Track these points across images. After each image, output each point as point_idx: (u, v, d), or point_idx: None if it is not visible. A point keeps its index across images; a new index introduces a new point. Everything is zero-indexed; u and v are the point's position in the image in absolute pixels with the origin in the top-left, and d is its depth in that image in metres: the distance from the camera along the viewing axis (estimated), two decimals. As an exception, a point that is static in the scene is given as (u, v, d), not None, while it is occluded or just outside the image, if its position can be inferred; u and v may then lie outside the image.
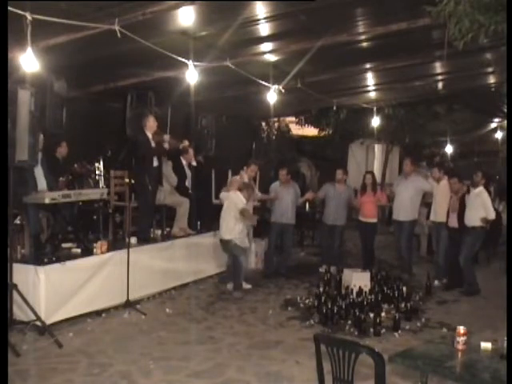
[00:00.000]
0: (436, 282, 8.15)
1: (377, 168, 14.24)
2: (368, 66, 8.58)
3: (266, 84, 8.30)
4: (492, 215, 7.62)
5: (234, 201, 7.64)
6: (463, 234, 7.74)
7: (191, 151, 8.55)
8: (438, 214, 8.25)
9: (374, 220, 9.03)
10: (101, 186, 8.29)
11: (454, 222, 7.94)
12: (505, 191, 9.49)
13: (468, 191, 7.92)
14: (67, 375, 4.70)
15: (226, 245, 7.73)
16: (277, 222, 8.79)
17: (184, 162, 8.43)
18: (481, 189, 7.69)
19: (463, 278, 7.83)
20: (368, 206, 8.93)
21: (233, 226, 7.57)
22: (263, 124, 13.82)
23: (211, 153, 9.88)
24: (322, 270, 9.03)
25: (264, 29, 6.40)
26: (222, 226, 7.71)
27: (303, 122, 13.86)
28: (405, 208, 8.56)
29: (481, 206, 7.56)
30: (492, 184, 13.32)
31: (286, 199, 8.71)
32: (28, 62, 5.23)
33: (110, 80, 8.30)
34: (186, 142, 8.45)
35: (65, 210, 6.72)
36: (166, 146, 7.75)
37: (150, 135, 7.45)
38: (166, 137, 7.84)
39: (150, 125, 7.47)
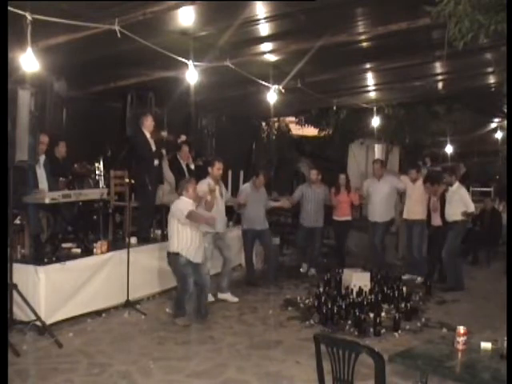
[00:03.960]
0: (406, 276, 8.45)
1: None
2: (368, 65, 8.58)
3: (266, 84, 8.29)
4: (472, 208, 7.98)
5: (177, 207, 6.25)
6: (446, 230, 8.08)
7: (186, 149, 8.46)
8: (411, 212, 8.60)
9: (348, 218, 9.21)
10: (101, 186, 8.28)
11: (436, 221, 8.28)
12: (505, 191, 9.57)
13: (446, 189, 8.19)
14: (67, 375, 4.69)
15: (171, 259, 6.35)
16: (250, 229, 8.19)
17: (181, 161, 8.42)
18: (457, 185, 8.06)
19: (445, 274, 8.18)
20: (342, 205, 9.07)
21: (181, 237, 6.22)
22: (263, 124, 13.80)
23: (211, 158, 9.87)
24: (303, 270, 9.08)
25: (264, 29, 6.40)
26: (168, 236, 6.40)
27: (303, 121, 13.83)
28: (380, 210, 8.79)
29: (459, 202, 7.91)
30: (492, 184, 13.37)
31: (257, 205, 8.09)
32: (28, 61, 5.23)
33: (110, 80, 8.30)
34: (184, 137, 8.43)
35: (65, 209, 6.71)
36: (164, 151, 7.72)
37: (148, 134, 7.44)
38: (164, 133, 7.81)
39: (148, 124, 7.42)
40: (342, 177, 9.15)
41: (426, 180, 8.45)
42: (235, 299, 7.25)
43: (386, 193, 8.79)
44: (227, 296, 7.26)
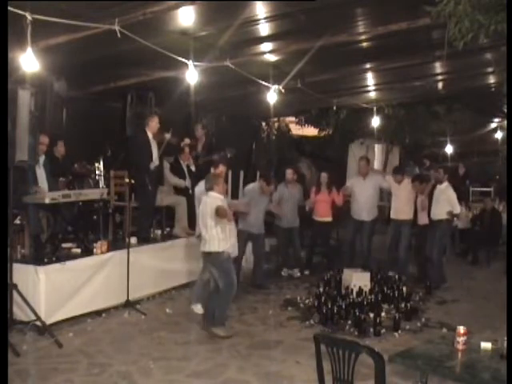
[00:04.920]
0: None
1: (377, 168, 14.21)
2: (368, 65, 8.58)
3: (266, 84, 8.29)
4: (457, 209, 8.06)
5: (207, 204, 5.89)
6: (431, 228, 8.14)
7: (187, 150, 8.45)
8: (399, 212, 8.60)
9: (329, 219, 9.05)
10: (101, 186, 8.29)
11: (423, 220, 8.33)
12: (505, 191, 9.58)
13: (434, 189, 8.21)
14: (67, 375, 4.70)
15: (214, 258, 5.94)
16: (246, 230, 7.70)
17: (182, 162, 8.41)
18: (446, 184, 8.09)
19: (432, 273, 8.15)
20: (322, 205, 8.94)
21: (215, 234, 5.82)
22: (263, 124, 13.80)
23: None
24: (284, 273, 8.86)
25: (264, 29, 6.40)
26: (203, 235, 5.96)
27: (303, 121, 13.84)
28: (367, 208, 8.74)
29: (446, 201, 7.97)
30: (492, 184, 13.37)
31: (259, 208, 7.78)
32: (28, 61, 5.23)
33: (110, 80, 8.30)
34: (188, 140, 8.41)
35: (65, 209, 6.72)
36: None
37: (150, 135, 7.43)
38: (168, 135, 7.80)
39: (153, 124, 7.42)
40: (324, 175, 9.00)
41: (414, 179, 8.44)
42: (200, 311, 6.28)
43: (371, 191, 8.77)
44: (194, 307, 6.34)
